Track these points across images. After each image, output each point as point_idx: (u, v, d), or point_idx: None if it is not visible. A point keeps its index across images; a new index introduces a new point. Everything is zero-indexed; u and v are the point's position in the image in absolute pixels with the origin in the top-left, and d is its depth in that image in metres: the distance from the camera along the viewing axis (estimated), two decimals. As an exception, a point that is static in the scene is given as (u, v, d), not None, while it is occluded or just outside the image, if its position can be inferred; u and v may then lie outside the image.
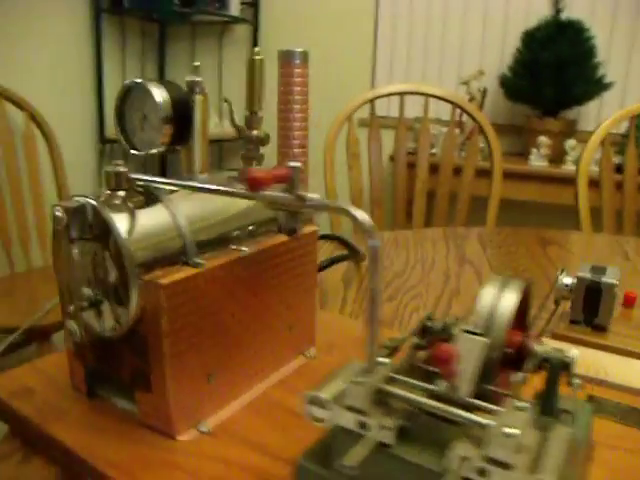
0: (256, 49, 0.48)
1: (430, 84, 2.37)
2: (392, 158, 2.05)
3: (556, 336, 0.57)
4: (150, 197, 0.40)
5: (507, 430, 0.24)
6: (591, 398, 0.46)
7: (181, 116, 0.40)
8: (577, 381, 0.36)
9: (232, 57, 2.48)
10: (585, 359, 0.52)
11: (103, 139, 2.19)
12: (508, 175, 1.98)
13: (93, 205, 0.37)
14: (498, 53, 2.21)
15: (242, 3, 2.30)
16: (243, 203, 0.45)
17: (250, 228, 0.44)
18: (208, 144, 0.44)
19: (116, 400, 0.42)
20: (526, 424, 0.26)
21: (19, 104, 1.61)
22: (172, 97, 0.39)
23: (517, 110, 2.14)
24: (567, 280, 0.57)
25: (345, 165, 1.63)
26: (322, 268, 0.78)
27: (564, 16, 2.00)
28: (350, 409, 0.28)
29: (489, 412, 0.28)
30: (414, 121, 2.12)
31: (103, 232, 0.36)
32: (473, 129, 1.65)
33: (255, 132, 0.49)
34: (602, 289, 0.55)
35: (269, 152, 0.54)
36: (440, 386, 0.28)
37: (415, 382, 0.29)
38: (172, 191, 0.41)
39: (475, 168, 1.67)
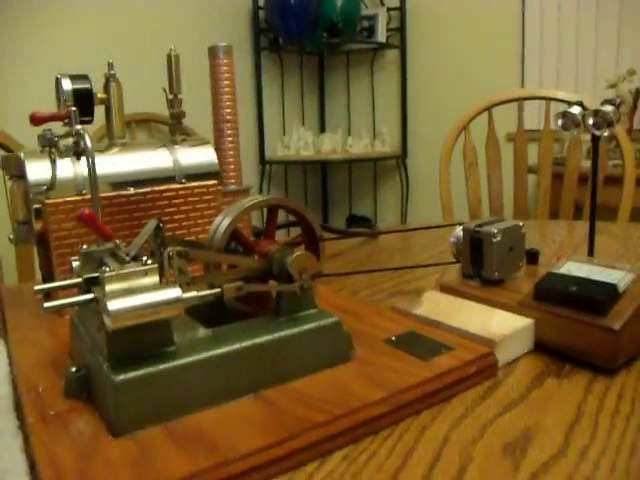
0: (172, 46, 0.63)
1: (584, 87, 2.20)
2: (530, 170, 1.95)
3: (443, 288, 0.58)
4: (69, 153, 0.57)
5: (106, 272, 0.35)
6: (410, 333, 0.49)
7: (83, 100, 0.56)
8: (297, 284, 0.42)
9: (383, 81, 2.64)
10: (445, 306, 0.53)
11: (263, 161, 2.54)
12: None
13: (20, 155, 0.56)
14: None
15: (389, 30, 2.46)
16: (149, 161, 0.60)
17: (147, 177, 0.59)
18: (124, 117, 0.60)
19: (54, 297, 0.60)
20: (133, 274, 0.35)
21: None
22: (75, 87, 0.56)
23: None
24: (461, 234, 0.58)
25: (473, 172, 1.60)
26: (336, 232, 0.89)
27: None
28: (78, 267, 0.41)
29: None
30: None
31: (24, 171, 0.55)
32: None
33: (175, 110, 0.63)
34: (482, 239, 0.55)
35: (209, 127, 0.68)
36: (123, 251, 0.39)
37: (120, 255, 0.40)
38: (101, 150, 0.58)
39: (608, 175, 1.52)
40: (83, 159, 0.56)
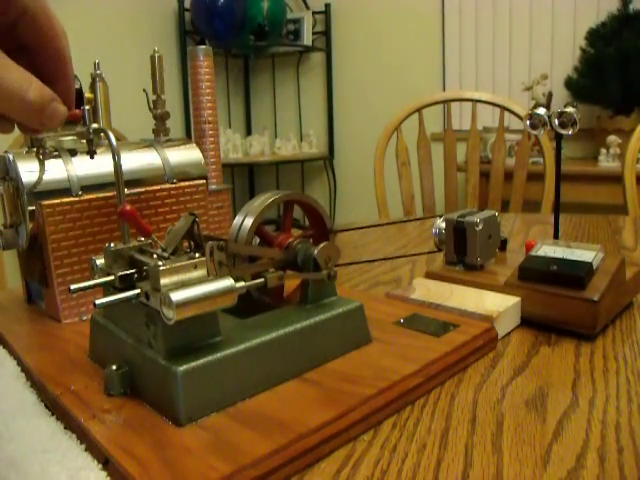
0: (155, 48, 0.63)
1: (501, 89, 2.38)
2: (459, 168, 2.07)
3: (429, 275, 0.63)
4: (55, 154, 0.56)
5: (156, 263, 0.35)
6: (414, 315, 0.53)
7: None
8: (325, 272, 0.45)
9: (308, 83, 2.69)
10: (436, 290, 0.58)
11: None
12: (576, 178, 1.92)
13: (8, 156, 0.53)
14: (567, 55, 2.16)
15: (314, 33, 2.51)
16: (138, 162, 0.59)
17: (138, 178, 0.58)
18: (110, 117, 0.59)
19: (39, 302, 0.58)
20: (184, 268, 0.36)
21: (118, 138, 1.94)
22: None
23: (588, 112, 2.07)
24: (442, 225, 0.63)
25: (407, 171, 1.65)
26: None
27: (632, 8, 1.92)
28: (104, 265, 0.41)
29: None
30: (483, 131, 2.14)
31: (14, 173, 0.53)
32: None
33: (159, 111, 0.63)
34: (465, 228, 0.60)
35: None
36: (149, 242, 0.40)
37: (152, 251, 0.41)
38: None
39: (529, 171, 1.64)
40: (75, 160, 0.55)
